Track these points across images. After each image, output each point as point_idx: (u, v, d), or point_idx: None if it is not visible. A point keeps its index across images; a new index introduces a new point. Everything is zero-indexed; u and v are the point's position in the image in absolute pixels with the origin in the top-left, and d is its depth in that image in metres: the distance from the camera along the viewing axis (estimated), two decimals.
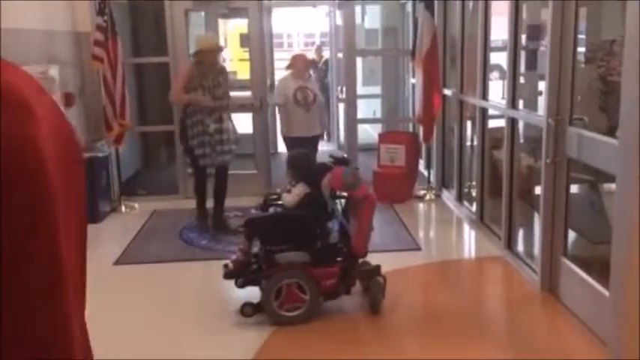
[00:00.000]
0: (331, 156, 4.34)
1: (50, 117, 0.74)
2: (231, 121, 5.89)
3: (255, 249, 4.04)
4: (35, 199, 0.70)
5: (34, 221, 0.70)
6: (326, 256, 3.94)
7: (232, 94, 6.18)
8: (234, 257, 4.00)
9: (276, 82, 6.72)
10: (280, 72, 7.47)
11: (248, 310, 3.91)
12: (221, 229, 5.84)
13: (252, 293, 3.96)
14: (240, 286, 3.96)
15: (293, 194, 4.00)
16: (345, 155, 4.57)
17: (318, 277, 3.86)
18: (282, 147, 8.49)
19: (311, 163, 4.19)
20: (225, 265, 4.00)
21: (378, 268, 4.07)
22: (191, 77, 5.73)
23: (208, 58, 5.74)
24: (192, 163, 5.87)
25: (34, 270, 0.74)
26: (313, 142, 6.16)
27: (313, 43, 15.02)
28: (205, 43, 5.87)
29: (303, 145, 5.71)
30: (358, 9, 9.49)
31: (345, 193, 4.01)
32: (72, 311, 0.81)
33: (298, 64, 6.33)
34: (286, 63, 6.50)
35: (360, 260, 4.04)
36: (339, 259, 3.96)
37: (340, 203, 4.10)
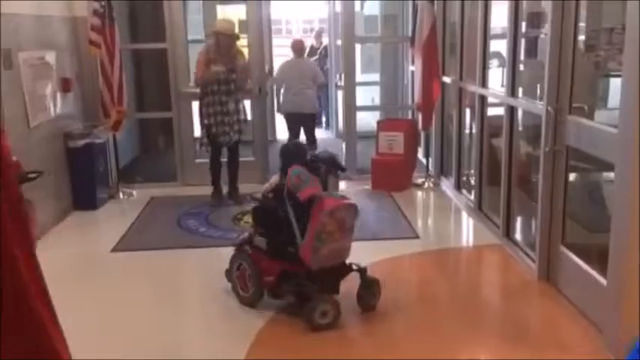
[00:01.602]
0: (315, 155, 3.92)
1: None
2: (243, 103, 6.19)
3: None
4: None
5: None
6: (275, 251, 3.83)
7: None
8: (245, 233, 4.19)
9: (311, 66, 7.66)
10: (280, 58, 7.50)
11: (229, 276, 4.10)
12: (234, 199, 6.23)
13: None
14: None
15: (269, 182, 3.99)
16: (332, 154, 4.01)
17: (261, 269, 3.85)
18: (280, 134, 8.49)
19: (298, 155, 3.87)
20: (238, 236, 4.26)
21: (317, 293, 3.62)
22: (209, 51, 5.90)
23: (225, 41, 5.80)
24: (208, 139, 6.12)
25: None
26: None
27: (312, 30, 14.92)
28: (222, 24, 6.02)
29: None
30: None
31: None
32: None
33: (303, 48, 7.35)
34: (303, 49, 7.56)
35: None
36: (289, 259, 3.74)
37: None
